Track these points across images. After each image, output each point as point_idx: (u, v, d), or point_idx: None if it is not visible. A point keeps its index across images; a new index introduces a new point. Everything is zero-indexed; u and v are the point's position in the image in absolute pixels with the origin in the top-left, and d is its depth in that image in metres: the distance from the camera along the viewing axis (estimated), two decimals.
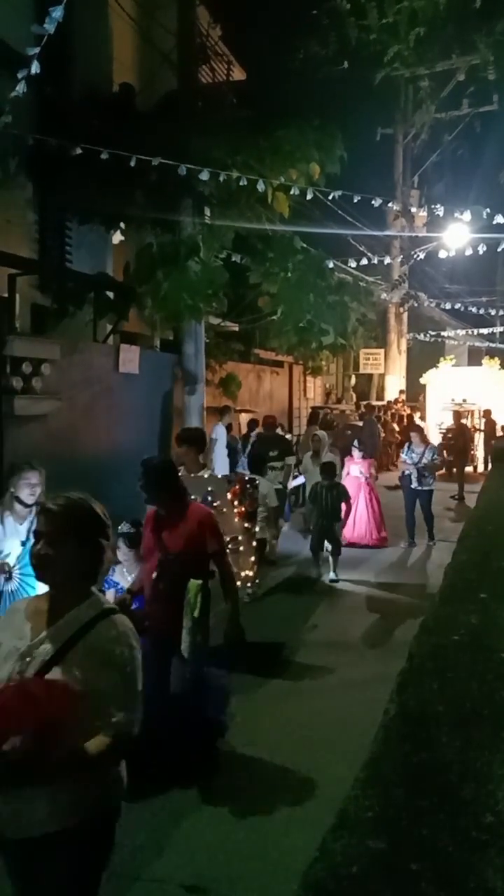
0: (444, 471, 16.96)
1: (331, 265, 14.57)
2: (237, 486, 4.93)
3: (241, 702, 5.01)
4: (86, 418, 9.71)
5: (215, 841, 3.48)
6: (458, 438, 15.72)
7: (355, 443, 10.84)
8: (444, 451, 17.47)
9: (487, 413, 18.23)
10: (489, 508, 8.88)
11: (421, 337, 24.39)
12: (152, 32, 12.30)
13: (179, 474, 5.13)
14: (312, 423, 14.78)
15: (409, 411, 21.13)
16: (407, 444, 10.75)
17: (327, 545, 8.85)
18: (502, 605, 4.57)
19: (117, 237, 11.58)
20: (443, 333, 25.73)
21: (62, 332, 10.14)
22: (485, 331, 25.71)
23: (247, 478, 5.22)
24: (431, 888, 2.11)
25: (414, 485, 10.39)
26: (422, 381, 21.52)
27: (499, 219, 11.05)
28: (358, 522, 10.37)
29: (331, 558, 8.66)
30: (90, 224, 10.89)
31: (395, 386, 22.29)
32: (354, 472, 10.53)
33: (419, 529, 10.75)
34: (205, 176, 8.94)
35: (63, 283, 10.53)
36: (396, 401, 21.42)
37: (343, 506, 8.61)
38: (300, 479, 9.61)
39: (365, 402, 20.79)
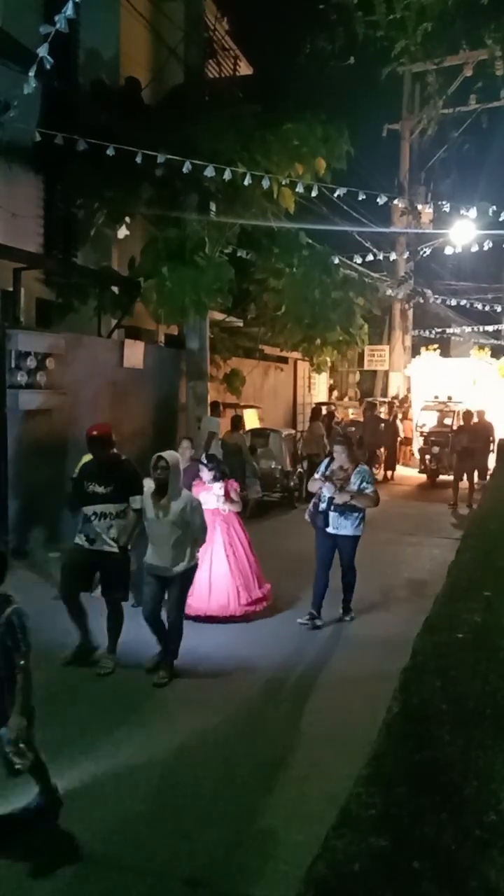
0: (427, 479, 15.54)
1: (336, 261, 14.55)
2: None
3: (242, 700, 5.01)
4: (90, 413, 9.71)
5: (216, 837, 3.49)
6: (479, 438, 13.41)
7: (203, 459, 6.96)
8: (426, 457, 15.77)
9: (481, 414, 14.64)
10: (493, 507, 8.85)
11: (426, 334, 24.31)
12: (159, 26, 12.27)
13: None
14: (315, 419, 14.70)
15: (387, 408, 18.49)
16: (327, 459, 6.78)
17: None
18: None
19: (122, 232, 11.58)
20: (448, 330, 25.67)
21: (67, 326, 10.15)
22: (490, 328, 25.64)
23: None
24: (433, 887, 2.12)
25: (330, 528, 6.41)
26: (405, 373, 20.81)
27: None
28: (243, 576, 6.67)
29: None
30: (95, 218, 10.88)
31: (399, 383, 22.22)
32: (210, 502, 6.42)
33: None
34: (210, 172, 8.91)
35: (68, 277, 10.54)
36: (404, 399, 21.16)
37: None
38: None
39: (369, 399, 20.63)
